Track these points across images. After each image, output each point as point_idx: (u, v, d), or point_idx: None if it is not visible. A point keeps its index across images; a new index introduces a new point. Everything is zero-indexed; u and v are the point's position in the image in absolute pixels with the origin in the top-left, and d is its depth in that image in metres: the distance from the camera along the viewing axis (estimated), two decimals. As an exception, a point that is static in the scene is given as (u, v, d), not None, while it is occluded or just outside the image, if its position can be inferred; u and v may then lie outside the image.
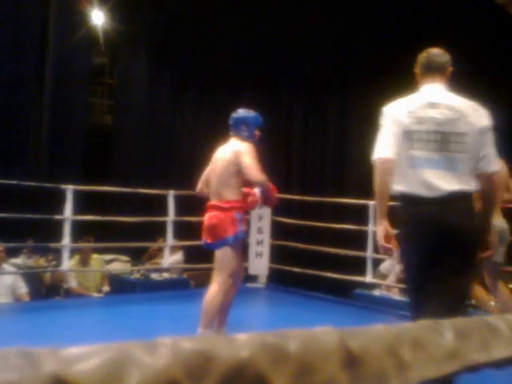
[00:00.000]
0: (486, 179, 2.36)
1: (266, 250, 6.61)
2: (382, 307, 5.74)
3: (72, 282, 6.12)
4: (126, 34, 7.65)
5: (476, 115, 2.34)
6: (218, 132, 8.78)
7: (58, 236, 5.53)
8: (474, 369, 0.51)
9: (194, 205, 7.28)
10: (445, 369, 0.47)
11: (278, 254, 6.68)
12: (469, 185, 2.33)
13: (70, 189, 5.47)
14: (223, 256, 3.51)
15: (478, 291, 4.39)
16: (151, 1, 7.84)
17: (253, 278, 6.80)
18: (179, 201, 6.57)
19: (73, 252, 6.06)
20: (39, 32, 7.28)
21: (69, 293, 6.09)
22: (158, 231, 6.47)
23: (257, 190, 3.47)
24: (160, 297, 5.81)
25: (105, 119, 9.46)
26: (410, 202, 2.38)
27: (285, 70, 8.55)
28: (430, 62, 2.49)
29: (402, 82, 2.99)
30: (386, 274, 6.35)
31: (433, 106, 2.37)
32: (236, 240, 3.48)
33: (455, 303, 2.28)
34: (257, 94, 8.50)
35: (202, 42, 8.09)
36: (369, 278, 6.02)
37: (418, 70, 2.53)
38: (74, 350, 0.30)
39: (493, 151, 2.37)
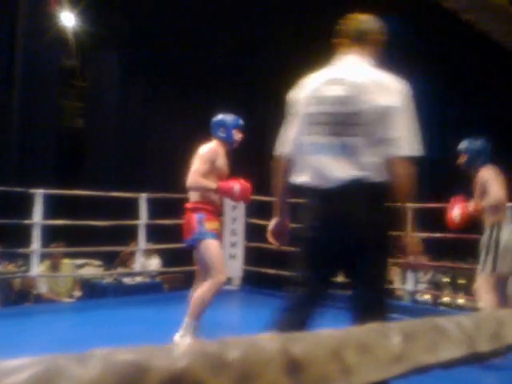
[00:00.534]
0: (395, 165, 1.98)
1: (239, 251, 6.61)
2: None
3: (42, 288, 6.02)
4: (97, 37, 7.57)
5: (381, 92, 1.97)
6: (191, 135, 8.77)
7: (27, 241, 5.44)
8: (421, 370, 0.52)
9: (168, 208, 7.25)
10: (390, 371, 0.48)
11: (252, 256, 6.68)
12: (372, 173, 1.99)
13: (39, 193, 5.39)
14: (200, 257, 3.59)
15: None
16: (122, 3, 7.77)
17: (227, 280, 6.79)
18: (154, 204, 6.52)
19: (43, 257, 5.97)
20: (7, 33, 7.15)
21: (39, 298, 5.99)
22: (131, 235, 6.42)
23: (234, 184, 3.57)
24: (132, 301, 5.75)
25: (76, 122, 9.34)
26: (305, 195, 2.13)
27: (259, 74, 8.56)
28: (345, 30, 2.15)
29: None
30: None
31: (334, 82, 2.04)
32: (198, 240, 3.51)
33: (365, 312, 2.02)
34: (231, 97, 8.50)
35: (175, 45, 8.05)
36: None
37: (335, 39, 2.17)
38: (4, 364, 0.30)
39: (405, 133, 1.99)
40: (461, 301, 5.62)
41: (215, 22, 7.61)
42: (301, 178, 2.11)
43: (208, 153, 3.59)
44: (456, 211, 3.88)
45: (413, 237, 2.11)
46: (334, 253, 2.06)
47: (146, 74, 8.29)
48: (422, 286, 6.05)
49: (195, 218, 3.51)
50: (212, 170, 3.54)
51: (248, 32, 8.00)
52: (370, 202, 2.00)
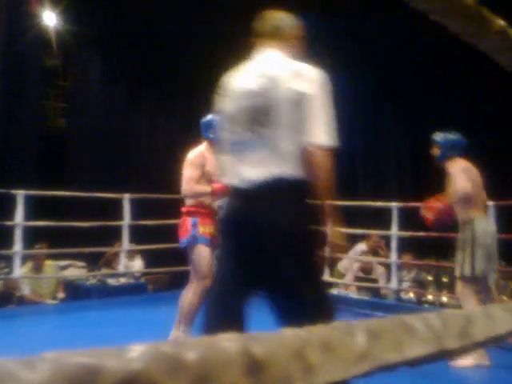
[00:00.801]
0: (311, 155, 1.87)
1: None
2: (340, 306, 5.81)
3: (25, 290, 5.96)
4: (79, 36, 7.51)
5: (297, 80, 1.90)
6: (175, 135, 8.77)
7: (10, 243, 5.38)
8: (386, 368, 0.52)
9: (152, 208, 7.22)
10: (355, 370, 0.48)
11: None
12: (292, 168, 1.89)
13: (20, 194, 5.35)
14: (191, 259, 3.62)
15: None
16: (104, 2, 7.71)
17: (212, 281, 6.79)
18: (137, 205, 6.49)
19: (26, 259, 5.91)
20: (-13, 33, 7.06)
21: (22, 300, 5.93)
22: (114, 236, 6.38)
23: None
24: (117, 302, 5.72)
25: (59, 122, 9.25)
26: (229, 195, 2.04)
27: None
28: (261, 27, 2.13)
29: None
30: (344, 272, 6.45)
31: (251, 76, 2.00)
32: (191, 243, 3.53)
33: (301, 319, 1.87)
34: (215, 95, 8.49)
35: (158, 45, 8.01)
36: (327, 277, 6.09)
37: (252, 37, 2.16)
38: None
39: (321, 121, 1.89)
40: (444, 299, 5.66)
41: (198, 20, 7.58)
42: (226, 179, 2.05)
43: (196, 158, 3.62)
44: (426, 208, 3.82)
45: (336, 231, 2.01)
46: (248, 262, 1.92)
47: (129, 74, 8.24)
48: (406, 285, 6.09)
49: (189, 221, 3.56)
50: (202, 175, 3.55)
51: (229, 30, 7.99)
52: (289, 202, 1.87)
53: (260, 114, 1.91)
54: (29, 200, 5.51)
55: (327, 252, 2.06)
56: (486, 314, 0.70)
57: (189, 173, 3.54)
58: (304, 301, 1.88)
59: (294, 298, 1.90)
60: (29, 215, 5.49)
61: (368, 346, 0.50)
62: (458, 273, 3.61)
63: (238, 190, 1.94)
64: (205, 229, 3.55)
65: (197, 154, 3.65)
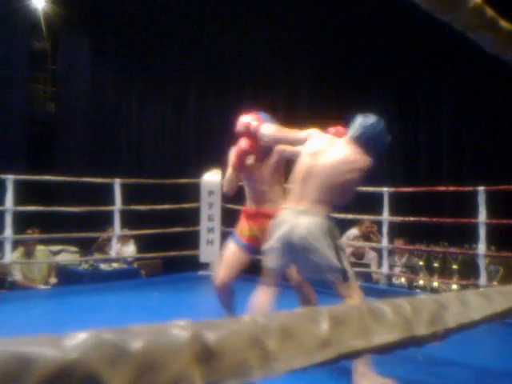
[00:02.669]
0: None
1: (217, 237, 6.59)
2: (331, 290, 5.82)
3: (17, 275, 5.95)
4: (68, 19, 7.38)
5: None
6: (165, 119, 8.69)
7: (0, 228, 5.36)
8: (352, 355, 0.51)
9: (142, 193, 7.19)
10: (316, 357, 0.47)
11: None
12: None
13: (10, 178, 5.31)
14: None
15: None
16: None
17: (204, 266, 6.79)
18: (129, 190, 6.46)
19: (17, 244, 5.89)
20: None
21: (14, 286, 5.92)
22: (106, 221, 6.36)
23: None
24: (109, 287, 5.72)
25: (48, 106, 9.14)
26: None
27: (232, 61, 8.48)
28: None
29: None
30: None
31: None
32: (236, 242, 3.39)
33: None
34: (205, 82, 8.42)
35: (148, 30, 7.92)
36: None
37: None
38: None
39: None
40: (436, 284, 5.69)
41: (192, 7, 7.49)
42: None
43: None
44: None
45: None
46: None
47: (119, 58, 8.15)
48: (397, 270, 6.12)
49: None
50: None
51: (220, 16, 7.91)
52: None
53: None
54: (19, 185, 5.47)
55: None
56: (460, 299, 0.69)
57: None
58: None
59: None
60: (19, 200, 5.46)
61: (331, 333, 0.48)
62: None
63: None
64: (239, 228, 3.37)
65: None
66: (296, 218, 2.81)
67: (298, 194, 2.87)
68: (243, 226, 3.35)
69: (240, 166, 3.20)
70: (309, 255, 2.75)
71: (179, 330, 0.38)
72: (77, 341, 0.33)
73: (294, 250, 2.81)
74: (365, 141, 2.87)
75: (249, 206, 3.39)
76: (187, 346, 0.38)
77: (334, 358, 0.48)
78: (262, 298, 2.93)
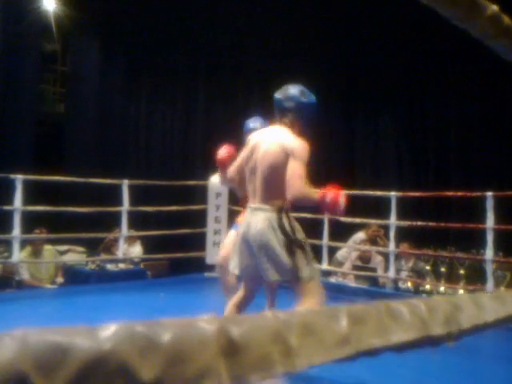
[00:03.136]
0: None
1: (223, 239, 6.60)
2: (337, 294, 5.82)
3: (24, 274, 5.98)
4: (78, 21, 7.43)
5: None
6: (174, 121, 8.71)
7: (9, 227, 5.39)
8: (370, 353, 0.52)
9: (150, 195, 7.22)
10: (336, 354, 0.47)
11: (236, 243, 6.67)
12: None
13: (19, 178, 5.35)
14: None
15: None
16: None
17: (210, 268, 6.80)
18: (137, 191, 6.49)
19: (25, 243, 5.92)
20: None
21: (21, 285, 5.96)
22: (114, 221, 6.38)
23: None
24: (115, 287, 5.74)
25: (58, 107, 9.19)
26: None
27: (241, 64, 8.51)
28: None
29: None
30: (342, 261, 6.45)
31: None
32: None
33: None
34: (213, 82, 8.44)
35: (157, 30, 7.95)
36: (325, 266, 6.11)
37: None
38: None
39: None
40: (442, 288, 5.67)
41: (197, 6, 7.53)
42: None
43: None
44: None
45: None
46: None
47: (128, 59, 8.18)
48: (404, 274, 6.10)
49: None
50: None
51: (231, 17, 7.94)
52: None
53: None
54: (27, 185, 5.51)
55: None
56: (474, 301, 0.70)
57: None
58: None
59: None
60: (27, 200, 5.49)
61: (351, 330, 0.49)
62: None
63: None
64: (242, 219, 3.49)
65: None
66: (251, 215, 2.68)
67: (252, 192, 2.74)
68: (243, 216, 3.46)
69: (224, 175, 3.21)
70: (261, 253, 2.59)
71: (205, 323, 0.39)
72: (110, 332, 0.34)
73: (252, 250, 2.66)
74: (289, 110, 2.70)
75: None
76: (213, 339, 0.39)
77: (352, 354, 0.49)
78: (230, 307, 2.83)
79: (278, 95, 2.75)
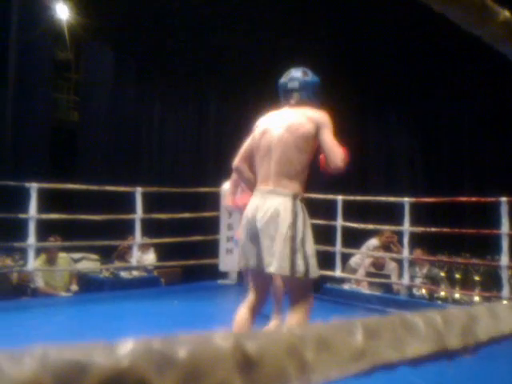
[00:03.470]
0: None
1: (236, 246, 6.60)
2: (351, 301, 5.80)
3: (39, 282, 6.03)
4: (91, 29, 7.52)
5: None
6: (187, 128, 8.75)
7: (24, 235, 5.44)
8: (386, 367, 0.52)
9: (163, 202, 7.25)
10: (352, 368, 0.47)
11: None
12: None
13: (34, 187, 5.39)
14: None
15: None
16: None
17: (224, 275, 6.80)
18: (151, 198, 6.51)
19: (40, 251, 5.97)
20: (0, 25, 7.10)
21: (36, 293, 6.00)
22: (127, 229, 6.41)
23: None
24: (129, 295, 5.77)
25: (71, 115, 9.29)
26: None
27: (253, 73, 8.53)
28: None
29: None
30: (356, 268, 6.42)
31: None
32: None
33: None
34: (225, 93, 8.47)
35: (169, 37, 8.01)
36: (338, 273, 6.08)
37: None
38: None
39: None
40: (457, 295, 5.62)
41: (208, 13, 7.57)
42: None
43: None
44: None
45: None
46: None
47: (141, 67, 8.25)
48: (418, 281, 6.05)
49: None
50: None
51: (237, 22, 7.97)
52: None
53: None
54: (42, 193, 5.56)
55: None
56: (490, 312, 0.69)
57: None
58: None
59: None
60: (42, 208, 5.54)
61: (366, 344, 0.49)
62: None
63: None
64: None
65: None
66: (261, 199, 2.50)
67: (264, 175, 2.57)
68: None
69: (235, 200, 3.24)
70: (266, 239, 2.43)
71: (221, 339, 0.40)
72: (128, 348, 0.34)
73: (258, 236, 2.48)
74: (293, 91, 2.68)
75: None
76: (229, 355, 0.39)
77: (369, 369, 0.49)
78: (240, 317, 2.67)
79: (281, 79, 2.78)
